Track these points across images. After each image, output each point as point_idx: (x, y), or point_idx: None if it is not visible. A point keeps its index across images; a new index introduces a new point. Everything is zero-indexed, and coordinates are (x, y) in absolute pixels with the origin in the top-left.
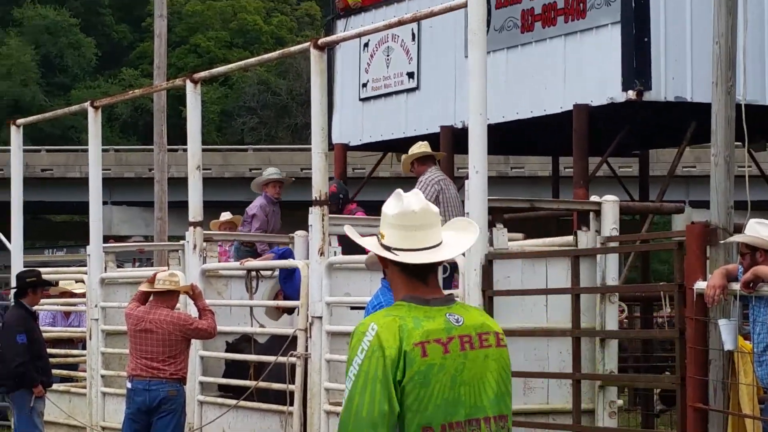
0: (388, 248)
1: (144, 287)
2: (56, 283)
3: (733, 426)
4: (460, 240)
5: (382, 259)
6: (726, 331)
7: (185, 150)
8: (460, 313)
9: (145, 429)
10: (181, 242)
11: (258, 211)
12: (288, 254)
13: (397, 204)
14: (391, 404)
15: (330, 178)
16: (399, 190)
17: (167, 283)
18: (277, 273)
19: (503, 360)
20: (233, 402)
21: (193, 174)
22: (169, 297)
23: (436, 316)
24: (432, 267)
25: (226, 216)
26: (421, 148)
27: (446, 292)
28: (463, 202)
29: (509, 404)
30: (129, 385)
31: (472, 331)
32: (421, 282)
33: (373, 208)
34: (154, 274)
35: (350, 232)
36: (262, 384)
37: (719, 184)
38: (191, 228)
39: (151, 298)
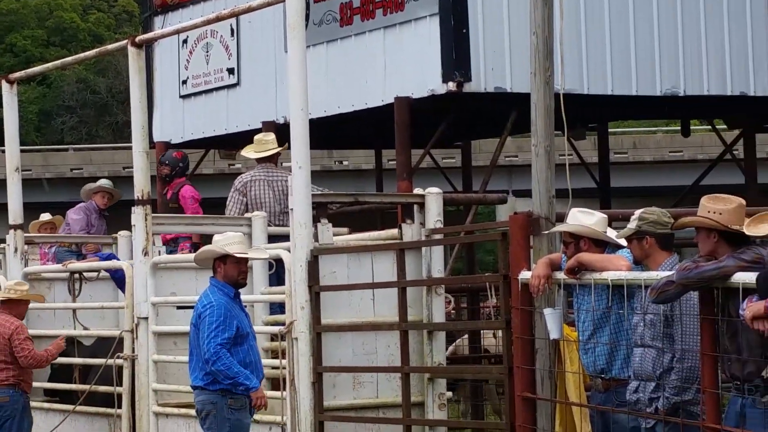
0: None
1: None
2: None
3: (561, 414)
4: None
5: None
6: (551, 320)
7: (3, 151)
8: None
9: None
10: (2, 246)
11: (81, 213)
12: (113, 259)
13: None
14: None
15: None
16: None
17: (11, 292)
18: (101, 275)
19: None
20: (63, 407)
21: (12, 176)
22: (14, 305)
23: None
24: None
25: (45, 217)
26: (251, 148)
27: (274, 288)
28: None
29: None
30: None
31: None
32: None
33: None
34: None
35: None
36: (88, 387)
37: (540, 174)
38: (12, 231)
39: None
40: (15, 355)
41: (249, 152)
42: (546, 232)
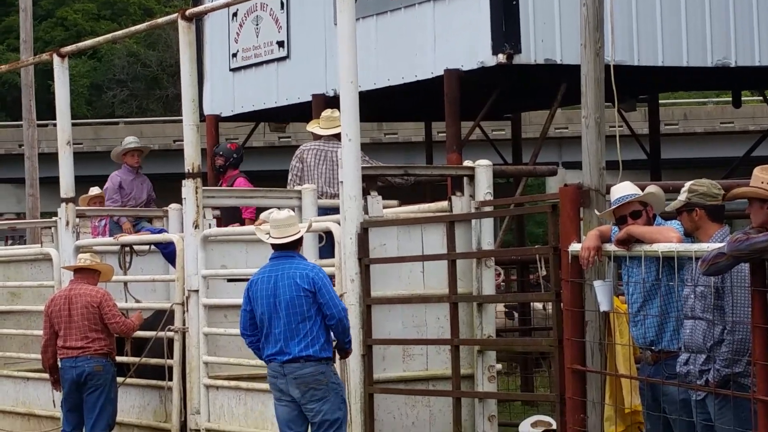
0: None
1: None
2: None
3: (611, 386)
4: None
5: None
6: (601, 292)
7: (55, 125)
8: None
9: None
10: (54, 219)
11: (108, 183)
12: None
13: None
14: None
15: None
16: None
17: (85, 261)
18: (152, 248)
19: None
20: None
21: (64, 149)
22: (90, 276)
23: None
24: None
25: (94, 191)
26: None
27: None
28: None
29: None
30: (59, 364)
31: None
32: None
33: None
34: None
35: None
36: (138, 359)
37: (590, 146)
38: (63, 204)
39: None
40: (105, 323)
41: (314, 128)
42: (599, 214)
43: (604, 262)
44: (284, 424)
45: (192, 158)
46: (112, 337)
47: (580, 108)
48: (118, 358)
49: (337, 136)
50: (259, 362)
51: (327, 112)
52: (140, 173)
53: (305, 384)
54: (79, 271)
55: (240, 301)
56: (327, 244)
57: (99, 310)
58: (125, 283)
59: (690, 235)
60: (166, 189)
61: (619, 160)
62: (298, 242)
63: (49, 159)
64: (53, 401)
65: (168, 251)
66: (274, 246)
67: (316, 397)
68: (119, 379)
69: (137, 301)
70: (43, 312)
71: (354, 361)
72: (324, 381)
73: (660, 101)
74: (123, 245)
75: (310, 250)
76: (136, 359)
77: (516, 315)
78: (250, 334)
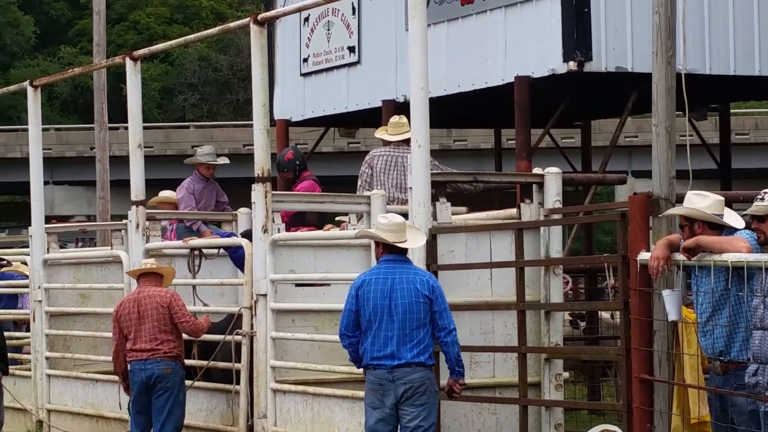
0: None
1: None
2: (9, 264)
3: (678, 396)
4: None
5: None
6: (670, 301)
7: (126, 128)
8: None
9: (146, 409)
10: (124, 221)
11: (182, 191)
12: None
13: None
14: None
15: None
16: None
17: (150, 265)
18: (221, 252)
19: None
20: (187, 383)
21: (135, 152)
22: (156, 279)
23: None
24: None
25: (165, 194)
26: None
27: None
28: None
29: None
30: (128, 366)
31: None
32: None
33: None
34: None
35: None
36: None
37: (661, 155)
38: (134, 207)
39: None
40: (175, 323)
41: (383, 134)
42: (661, 215)
43: (673, 272)
44: None
45: (262, 162)
46: (182, 339)
47: (651, 116)
48: (187, 362)
49: (407, 142)
50: (327, 367)
51: (395, 119)
52: (211, 180)
53: (413, 389)
54: (144, 275)
55: (308, 305)
56: None
57: (169, 311)
58: (194, 287)
59: (764, 244)
60: (236, 193)
61: (689, 169)
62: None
63: (120, 162)
64: (119, 403)
65: (237, 255)
66: (389, 249)
67: (418, 402)
68: (187, 383)
69: (205, 305)
70: (112, 315)
71: None
72: (429, 388)
73: (731, 111)
74: (192, 249)
75: (374, 255)
76: (205, 362)
77: (581, 324)
78: (351, 335)
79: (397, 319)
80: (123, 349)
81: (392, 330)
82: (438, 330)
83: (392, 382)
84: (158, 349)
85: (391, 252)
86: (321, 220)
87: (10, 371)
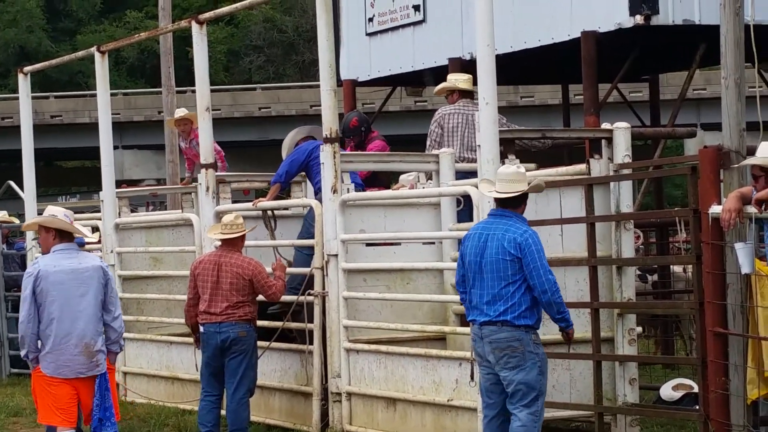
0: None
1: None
2: None
3: (753, 349)
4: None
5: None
6: (742, 254)
7: (194, 91)
8: None
9: (219, 371)
10: (194, 184)
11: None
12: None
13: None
14: None
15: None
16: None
17: (229, 229)
18: (290, 212)
19: None
20: (259, 343)
21: (203, 115)
22: (238, 240)
23: None
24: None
25: (180, 112)
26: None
27: (462, 224)
28: None
29: None
30: (201, 329)
31: None
32: None
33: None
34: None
35: None
36: (281, 324)
37: (730, 107)
38: (203, 170)
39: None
40: (258, 292)
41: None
42: (736, 165)
43: (745, 224)
44: (483, 393)
45: (330, 123)
46: (256, 304)
47: (719, 69)
48: (260, 323)
49: (472, 97)
50: (399, 326)
51: (451, 76)
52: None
53: (500, 349)
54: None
55: (379, 265)
56: (465, 208)
57: (251, 283)
58: (275, 247)
59: None
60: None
61: (759, 120)
62: (521, 201)
63: None
64: (195, 365)
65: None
66: (497, 201)
67: (510, 365)
68: (263, 344)
69: (290, 264)
70: (189, 275)
71: None
72: (520, 348)
73: None
74: (264, 210)
75: (447, 214)
76: (279, 323)
77: (649, 278)
78: (462, 291)
79: (487, 278)
80: (196, 304)
81: (482, 288)
82: (533, 290)
83: (482, 339)
84: (234, 313)
85: (499, 204)
86: (390, 180)
87: None
